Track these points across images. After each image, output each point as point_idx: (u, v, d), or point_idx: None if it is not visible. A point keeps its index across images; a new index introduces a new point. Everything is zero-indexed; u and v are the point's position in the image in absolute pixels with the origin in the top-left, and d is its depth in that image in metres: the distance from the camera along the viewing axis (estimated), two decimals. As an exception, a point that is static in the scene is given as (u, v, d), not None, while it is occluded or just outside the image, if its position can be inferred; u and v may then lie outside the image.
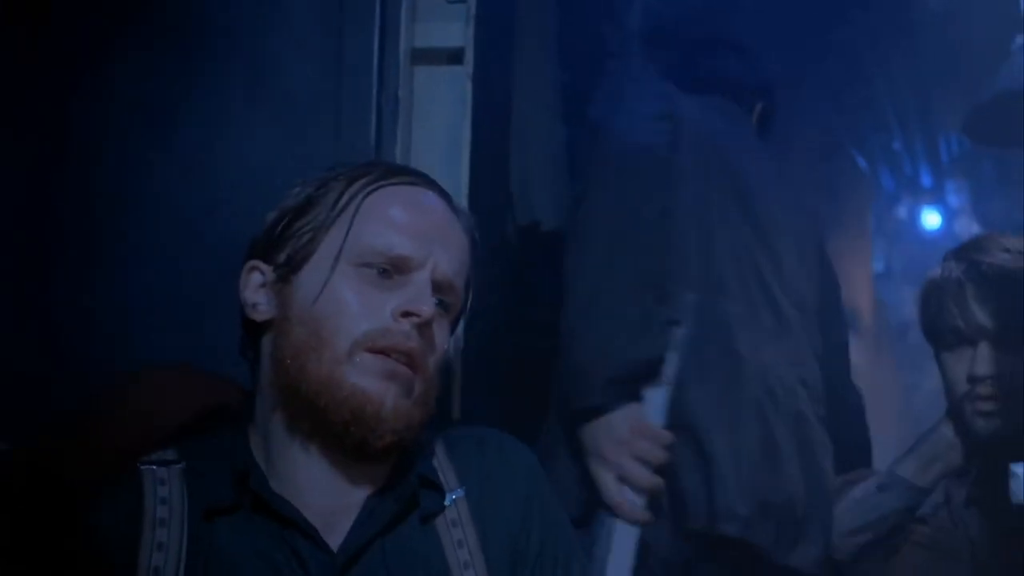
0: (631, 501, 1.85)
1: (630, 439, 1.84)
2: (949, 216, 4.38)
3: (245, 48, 1.86)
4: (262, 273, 1.38)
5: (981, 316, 2.19)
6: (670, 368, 1.88)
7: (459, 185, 1.79)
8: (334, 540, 1.31)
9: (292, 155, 1.83)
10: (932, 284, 2.28)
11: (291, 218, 1.37)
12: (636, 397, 1.87)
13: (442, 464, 1.40)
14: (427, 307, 1.32)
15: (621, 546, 1.84)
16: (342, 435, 1.30)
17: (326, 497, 1.33)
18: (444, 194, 1.43)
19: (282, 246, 1.36)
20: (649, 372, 1.88)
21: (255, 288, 1.38)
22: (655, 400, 1.87)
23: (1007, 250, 2.21)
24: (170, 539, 1.28)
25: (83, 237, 1.85)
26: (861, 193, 4.02)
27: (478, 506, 1.37)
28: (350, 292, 1.32)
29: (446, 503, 1.36)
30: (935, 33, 3.33)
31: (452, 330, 1.43)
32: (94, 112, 1.88)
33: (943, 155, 4.22)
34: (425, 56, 1.85)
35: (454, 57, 1.84)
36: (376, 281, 1.33)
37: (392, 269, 1.33)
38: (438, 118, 1.84)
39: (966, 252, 2.27)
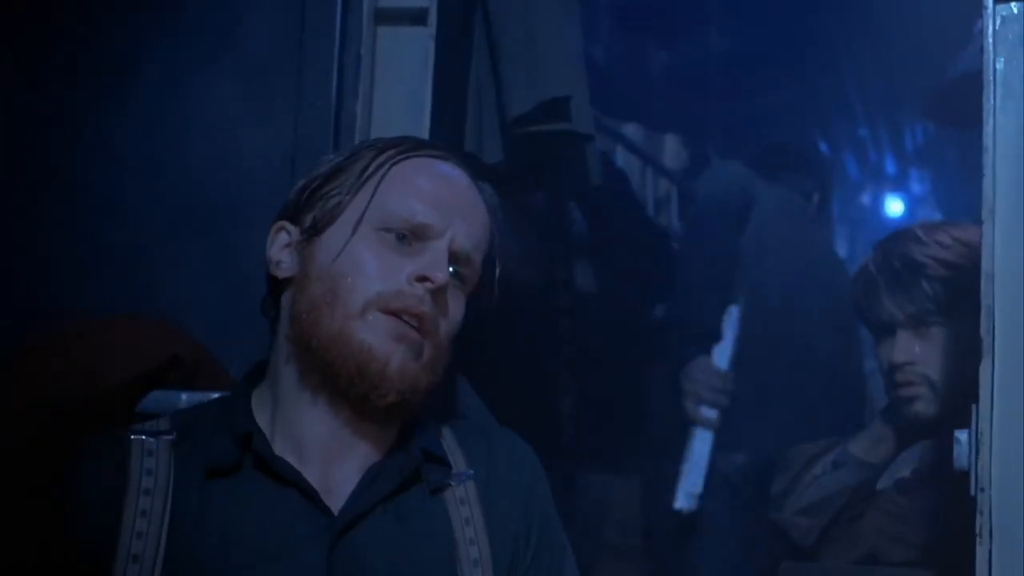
0: (707, 414, 2.80)
1: (703, 377, 2.82)
2: (912, 203, 4.42)
3: (207, 5, 1.86)
4: (288, 233, 1.40)
5: (891, 306, 2.23)
6: (729, 333, 2.87)
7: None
8: (334, 504, 1.33)
9: (253, 113, 1.83)
10: (855, 279, 2.34)
11: (320, 183, 1.39)
12: (708, 352, 2.88)
13: (450, 446, 1.43)
14: (442, 274, 1.34)
15: (698, 448, 2.78)
16: (347, 389, 1.33)
17: (329, 457, 1.35)
18: (470, 170, 1.45)
19: (309, 209, 1.39)
20: (717, 336, 2.89)
21: (280, 247, 1.40)
22: (720, 352, 2.86)
23: (919, 239, 2.24)
24: (153, 507, 1.30)
25: (42, 190, 1.84)
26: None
27: (486, 491, 1.40)
28: (368, 253, 1.34)
29: (458, 481, 1.39)
30: (901, 20, 3.35)
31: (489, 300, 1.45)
32: (54, 67, 1.87)
33: (907, 143, 4.25)
34: (388, 16, 1.85)
35: (417, 18, 1.85)
36: (395, 246, 1.35)
37: (411, 236, 1.36)
38: (400, 79, 1.84)
39: (881, 245, 2.32)
